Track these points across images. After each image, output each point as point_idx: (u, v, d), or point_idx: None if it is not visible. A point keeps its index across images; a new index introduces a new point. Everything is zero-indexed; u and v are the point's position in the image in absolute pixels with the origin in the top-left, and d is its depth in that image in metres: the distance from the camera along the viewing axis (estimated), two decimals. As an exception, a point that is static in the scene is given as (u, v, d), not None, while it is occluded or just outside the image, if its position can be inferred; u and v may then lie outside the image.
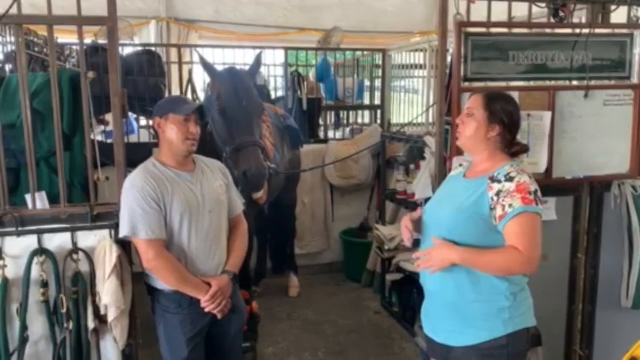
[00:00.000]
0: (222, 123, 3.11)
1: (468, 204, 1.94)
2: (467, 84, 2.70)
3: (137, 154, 2.69)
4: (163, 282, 2.23)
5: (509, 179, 1.89)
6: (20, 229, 2.33)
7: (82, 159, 2.73)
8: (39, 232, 2.33)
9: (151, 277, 2.27)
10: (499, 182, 1.90)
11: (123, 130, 2.47)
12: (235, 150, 3.02)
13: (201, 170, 2.37)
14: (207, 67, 3.30)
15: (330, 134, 5.65)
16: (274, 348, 3.78)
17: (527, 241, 1.84)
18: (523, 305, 1.98)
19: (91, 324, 2.34)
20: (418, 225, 2.10)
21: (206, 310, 2.24)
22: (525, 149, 2.07)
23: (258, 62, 3.50)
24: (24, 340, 2.30)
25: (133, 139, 4.74)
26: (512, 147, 2.03)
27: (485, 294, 1.93)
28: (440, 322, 2.06)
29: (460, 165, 2.26)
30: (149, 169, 2.27)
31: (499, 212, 1.87)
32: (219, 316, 2.28)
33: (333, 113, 6.00)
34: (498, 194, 1.88)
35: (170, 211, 2.21)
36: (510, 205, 1.85)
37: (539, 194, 1.90)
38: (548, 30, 2.99)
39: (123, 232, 2.21)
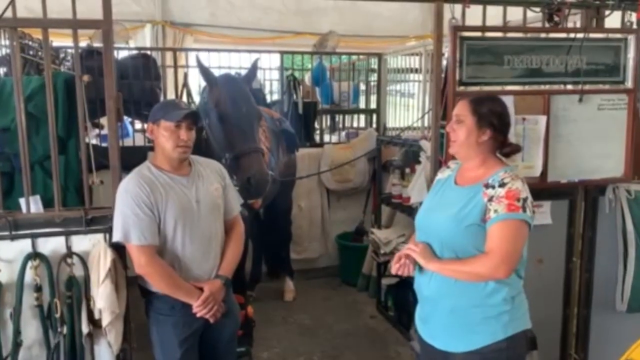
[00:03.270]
0: (221, 130, 3.08)
1: (465, 213, 1.94)
2: (462, 88, 2.70)
3: (132, 158, 2.66)
4: (155, 287, 2.23)
5: (502, 184, 1.91)
6: (14, 232, 2.32)
7: (76, 163, 2.71)
8: (33, 236, 2.32)
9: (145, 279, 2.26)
10: (493, 187, 1.92)
11: (118, 134, 2.46)
12: (236, 156, 2.99)
13: (197, 173, 2.36)
14: (205, 73, 3.25)
15: (326, 138, 5.65)
16: (269, 352, 3.77)
17: (501, 246, 1.85)
18: (521, 308, 1.99)
19: (85, 328, 2.33)
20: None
21: (198, 315, 2.23)
22: (517, 149, 2.08)
23: (254, 69, 3.49)
24: (17, 344, 2.28)
25: (128, 142, 4.73)
26: (504, 148, 2.04)
27: (486, 299, 1.93)
28: (439, 329, 2.04)
29: (448, 167, 2.25)
30: (143, 173, 2.25)
31: (487, 216, 1.90)
32: (212, 320, 2.27)
33: (329, 117, 6.01)
34: (491, 199, 1.90)
35: (164, 216, 2.20)
36: (496, 211, 1.88)
37: (529, 201, 1.90)
38: (543, 35, 3.01)
39: (115, 237, 2.20)
